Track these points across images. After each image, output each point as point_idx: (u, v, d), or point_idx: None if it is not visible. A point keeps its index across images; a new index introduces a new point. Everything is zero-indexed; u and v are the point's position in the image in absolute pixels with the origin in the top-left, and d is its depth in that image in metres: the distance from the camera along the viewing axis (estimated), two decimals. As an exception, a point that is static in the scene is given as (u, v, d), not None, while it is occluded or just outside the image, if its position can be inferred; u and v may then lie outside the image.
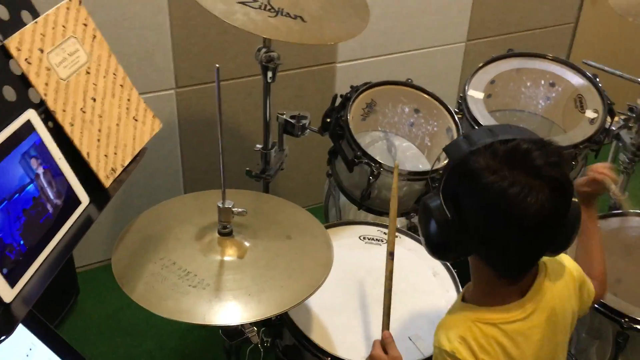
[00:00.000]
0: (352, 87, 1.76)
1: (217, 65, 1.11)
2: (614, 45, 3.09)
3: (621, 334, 1.52)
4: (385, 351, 1.20)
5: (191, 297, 1.16)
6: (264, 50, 1.66)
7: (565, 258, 1.18)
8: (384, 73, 2.53)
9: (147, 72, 2.16)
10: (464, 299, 1.14)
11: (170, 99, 2.27)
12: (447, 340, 1.06)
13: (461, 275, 1.57)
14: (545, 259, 1.11)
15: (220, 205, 1.25)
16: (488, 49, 2.79)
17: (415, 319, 1.48)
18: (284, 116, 1.82)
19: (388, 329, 1.24)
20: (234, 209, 1.25)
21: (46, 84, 1.16)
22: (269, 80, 1.70)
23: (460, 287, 1.55)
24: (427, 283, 1.56)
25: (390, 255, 1.23)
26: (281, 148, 1.89)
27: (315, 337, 1.40)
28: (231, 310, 1.15)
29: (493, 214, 0.97)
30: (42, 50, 1.16)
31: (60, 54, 1.21)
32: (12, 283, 0.98)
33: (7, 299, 0.96)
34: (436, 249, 1.07)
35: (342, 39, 1.55)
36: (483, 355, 1.04)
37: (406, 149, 1.90)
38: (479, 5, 2.70)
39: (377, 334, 1.44)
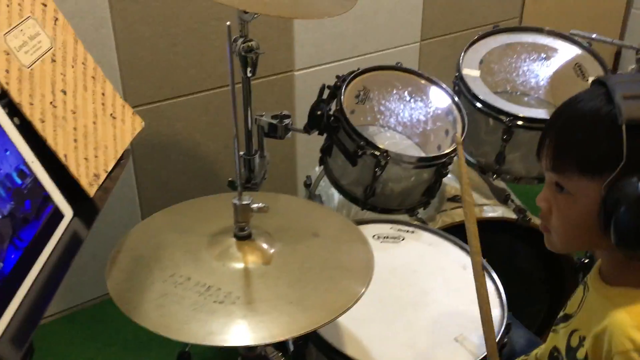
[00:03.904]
0: (337, 76, 1.59)
1: (228, 22, 0.91)
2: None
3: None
4: None
5: (220, 315, 0.93)
6: (241, 40, 1.47)
7: None
8: (344, 78, 2.42)
9: (92, 92, 1.92)
10: (614, 283, 0.97)
11: (120, 122, 2.02)
12: None
13: (491, 262, 1.41)
14: None
15: (237, 202, 1.03)
16: (442, 48, 2.74)
17: (455, 318, 1.30)
18: (264, 117, 1.62)
19: None
20: (253, 206, 1.03)
21: (7, 71, 0.93)
22: (249, 75, 1.51)
23: (494, 275, 1.39)
24: (458, 278, 1.39)
25: None
26: (262, 154, 1.69)
27: (351, 351, 1.19)
28: (275, 324, 0.92)
29: None
30: (-2, 31, 0.93)
31: (19, 37, 0.98)
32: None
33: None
34: None
35: (334, 14, 1.40)
36: None
37: (399, 142, 1.74)
38: (430, 4, 2.64)
39: (418, 340, 1.25)
